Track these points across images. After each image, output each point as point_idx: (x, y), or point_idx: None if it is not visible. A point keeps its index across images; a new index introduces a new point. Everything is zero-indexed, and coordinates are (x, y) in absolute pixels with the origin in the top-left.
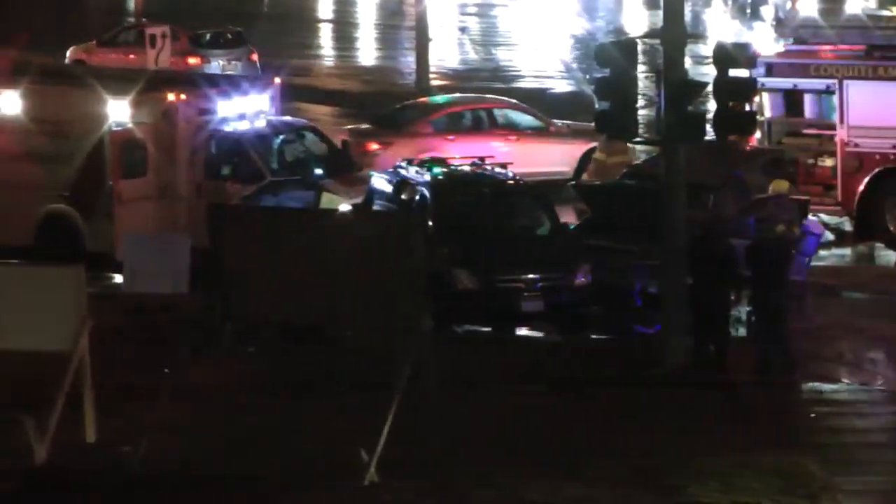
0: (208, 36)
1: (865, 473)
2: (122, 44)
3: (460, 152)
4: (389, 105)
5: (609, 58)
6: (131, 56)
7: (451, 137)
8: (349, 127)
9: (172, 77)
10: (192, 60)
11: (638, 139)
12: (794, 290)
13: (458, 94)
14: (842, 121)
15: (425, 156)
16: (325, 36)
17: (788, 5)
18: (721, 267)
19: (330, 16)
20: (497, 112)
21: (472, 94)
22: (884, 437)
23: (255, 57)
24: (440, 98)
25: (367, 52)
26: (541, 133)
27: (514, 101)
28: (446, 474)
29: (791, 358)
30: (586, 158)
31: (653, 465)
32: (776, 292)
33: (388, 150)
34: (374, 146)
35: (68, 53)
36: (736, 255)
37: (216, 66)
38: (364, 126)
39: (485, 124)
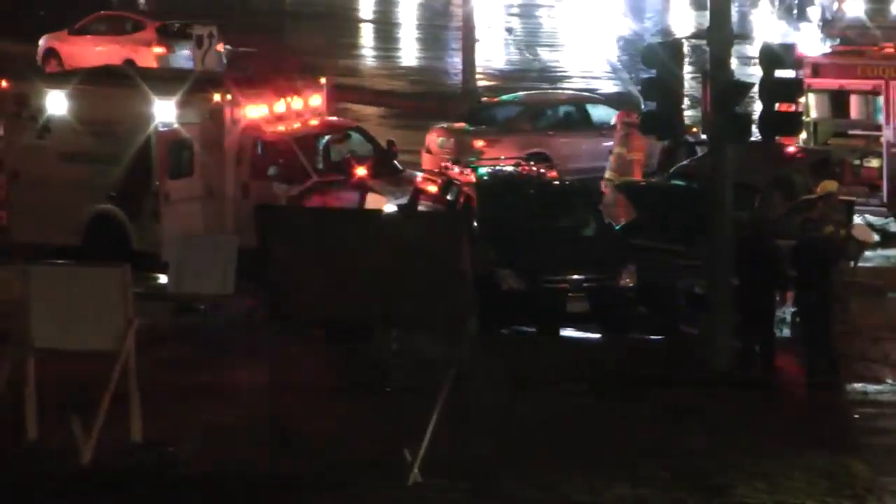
0: (176, 26)
1: None
2: (95, 33)
3: (561, 148)
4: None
5: (655, 58)
6: (108, 45)
7: (551, 133)
8: (445, 125)
9: (219, 78)
10: (157, 50)
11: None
12: (838, 291)
13: (544, 90)
14: (888, 121)
15: (528, 151)
16: (372, 36)
17: (835, 6)
18: (767, 268)
19: (377, 16)
20: (588, 107)
21: (559, 90)
22: None
23: (220, 48)
24: (520, 94)
25: (413, 53)
26: None
27: (599, 96)
28: (491, 474)
29: (836, 359)
30: (666, 153)
31: (699, 465)
32: (821, 293)
33: (493, 148)
34: (479, 143)
35: (41, 42)
36: (781, 256)
37: (182, 56)
38: (458, 125)
39: (578, 120)
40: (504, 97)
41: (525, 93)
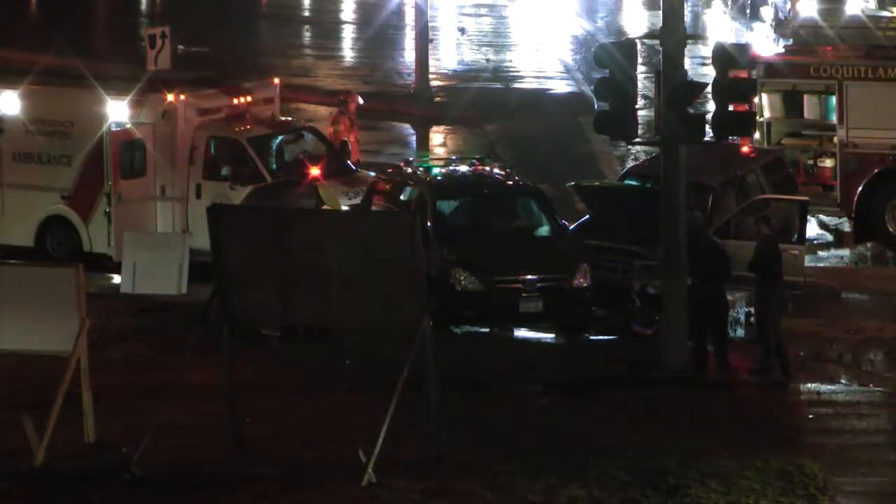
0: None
1: (864, 474)
2: None
3: None
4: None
5: (609, 58)
6: None
7: None
8: None
9: (172, 78)
10: None
11: (637, 140)
12: (789, 291)
13: None
14: (841, 122)
15: None
16: (325, 36)
17: (788, 6)
18: (716, 268)
19: (330, 16)
20: None
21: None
22: (882, 438)
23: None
24: None
25: (366, 52)
26: None
27: None
28: (446, 474)
29: (787, 360)
30: None
31: (654, 465)
32: (774, 292)
33: None
34: None
35: None
36: (727, 256)
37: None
38: None
39: None
40: None
41: None
